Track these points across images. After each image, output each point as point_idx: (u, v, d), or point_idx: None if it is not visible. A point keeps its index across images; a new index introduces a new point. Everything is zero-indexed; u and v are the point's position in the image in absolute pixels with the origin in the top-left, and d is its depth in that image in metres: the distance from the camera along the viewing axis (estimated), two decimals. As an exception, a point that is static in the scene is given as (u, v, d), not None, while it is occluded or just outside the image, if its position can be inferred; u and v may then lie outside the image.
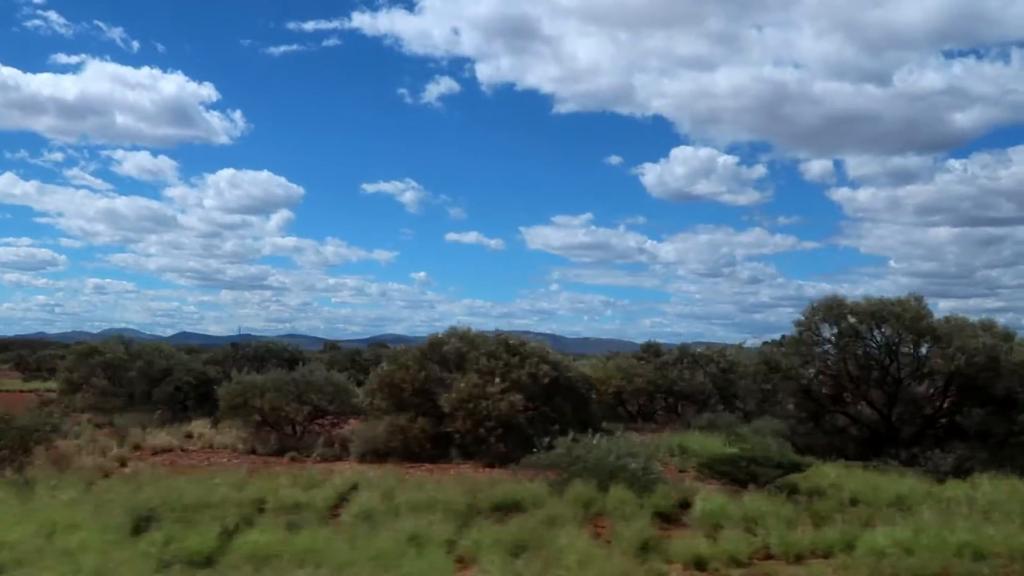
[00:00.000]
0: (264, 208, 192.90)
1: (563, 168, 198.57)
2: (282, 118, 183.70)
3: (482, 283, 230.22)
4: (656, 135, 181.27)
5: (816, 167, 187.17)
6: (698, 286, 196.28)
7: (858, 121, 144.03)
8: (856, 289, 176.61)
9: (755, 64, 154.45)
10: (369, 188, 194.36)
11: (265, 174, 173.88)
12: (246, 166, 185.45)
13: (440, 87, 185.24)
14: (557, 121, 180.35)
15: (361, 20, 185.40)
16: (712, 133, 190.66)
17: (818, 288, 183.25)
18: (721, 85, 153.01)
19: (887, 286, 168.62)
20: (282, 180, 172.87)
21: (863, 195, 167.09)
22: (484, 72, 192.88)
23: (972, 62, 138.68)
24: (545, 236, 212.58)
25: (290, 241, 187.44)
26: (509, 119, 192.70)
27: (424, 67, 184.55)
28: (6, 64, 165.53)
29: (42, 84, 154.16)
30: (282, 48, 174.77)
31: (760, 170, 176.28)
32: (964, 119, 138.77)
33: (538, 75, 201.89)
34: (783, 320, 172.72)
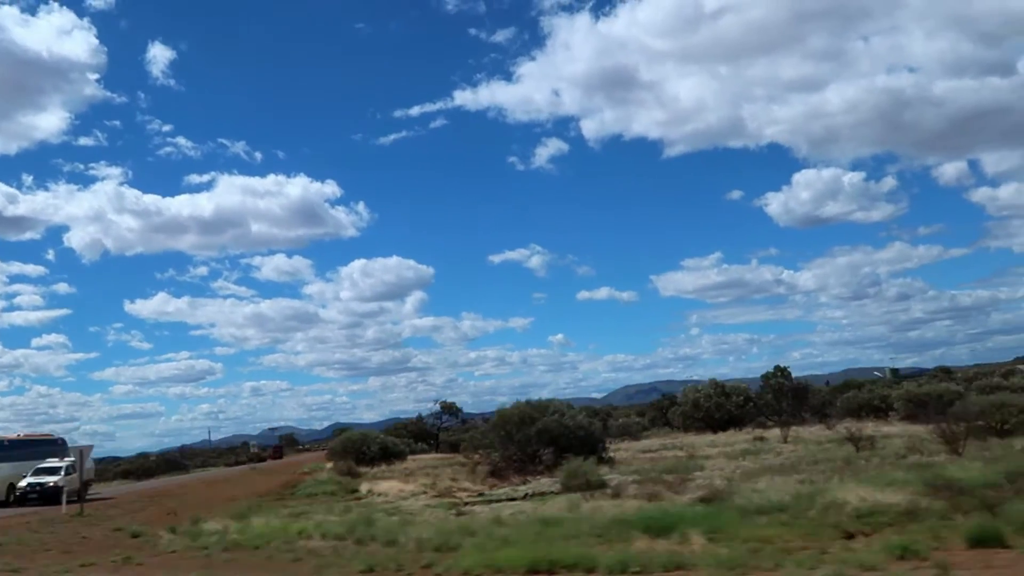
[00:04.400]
0: (398, 293, 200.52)
1: (684, 211, 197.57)
2: (402, 203, 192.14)
3: (620, 337, 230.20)
4: (774, 163, 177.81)
5: (950, 170, 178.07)
6: (844, 311, 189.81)
7: (988, 116, 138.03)
8: (1017, 292, 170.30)
9: (867, 75, 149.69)
10: (496, 259, 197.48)
11: (395, 260, 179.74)
12: (376, 254, 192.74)
13: (549, 149, 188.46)
14: (670, 164, 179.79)
15: (463, 97, 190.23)
16: (832, 152, 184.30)
17: (975, 296, 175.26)
18: (834, 102, 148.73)
19: None
20: (411, 263, 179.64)
21: (1006, 192, 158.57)
22: (589, 128, 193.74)
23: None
24: (677, 281, 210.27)
25: (427, 321, 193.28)
26: (621, 170, 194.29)
27: (530, 132, 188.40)
28: (147, 192, 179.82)
29: (181, 205, 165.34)
30: (391, 136, 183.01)
31: (890, 182, 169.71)
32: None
33: (643, 122, 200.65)
34: (941, 334, 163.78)
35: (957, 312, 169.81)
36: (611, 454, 32.78)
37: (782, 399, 54.86)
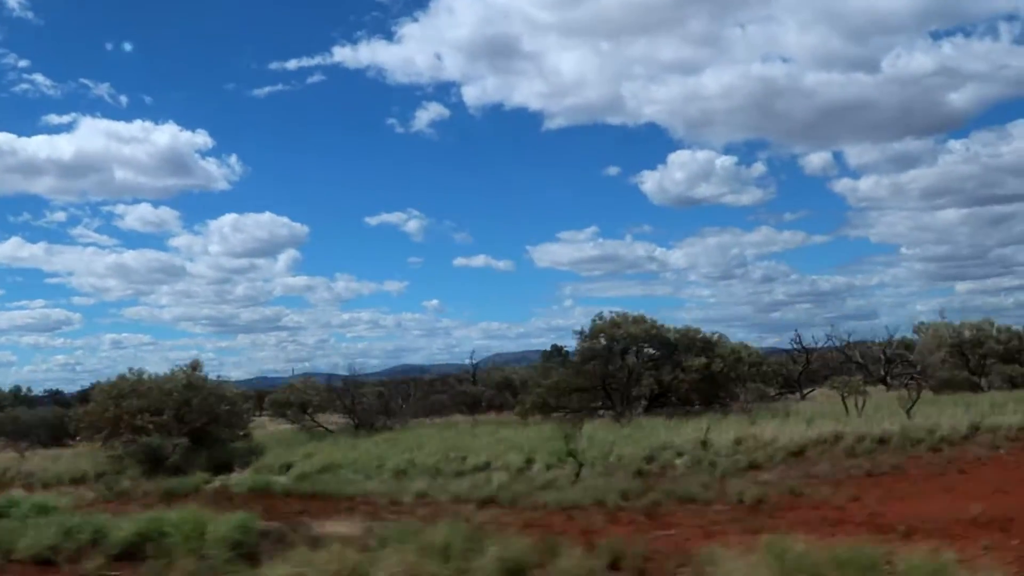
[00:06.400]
0: (270, 249, 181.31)
1: (562, 183, 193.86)
2: (277, 159, 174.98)
3: (495, 305, 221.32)
4: (651, 142, 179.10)
5: (816, 160, 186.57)
6: (712, 290, 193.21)
7: (852, 110, 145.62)
8: (871, 280, 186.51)
9: (742, 62, 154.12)
10: (372, 220, 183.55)
11: (267, 216, 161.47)
12: (247, 209, 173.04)
13: (429, 113, 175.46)
14: (550, 137, 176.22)
15: (342, 54, 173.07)
16: (707, 135, 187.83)
17: (832, 282, 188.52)
18: (710, 86, 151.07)
19: (901, 273, 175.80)
20: (285, 220, 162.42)
21: (865, 184, 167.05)
22: (471, 94, 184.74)
23: (961, 40, 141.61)
24: (553, 253, 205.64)
25: (300, 280, 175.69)
26: (502, 139, 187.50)
27: (411, 95, 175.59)
28: (0, 130, 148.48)
29: (38, 146, 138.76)
30: (266, 89, 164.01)
31: (760, 168, 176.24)
32: (959, 99, 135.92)
33: (524, 93, 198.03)
34: (801, 316, 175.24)
35: (816, 296, 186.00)
36: None
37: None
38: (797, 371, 39.03)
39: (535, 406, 28.92)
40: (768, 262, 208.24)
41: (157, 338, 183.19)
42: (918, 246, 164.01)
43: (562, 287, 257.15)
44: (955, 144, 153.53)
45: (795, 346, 39.74)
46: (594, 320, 29.91)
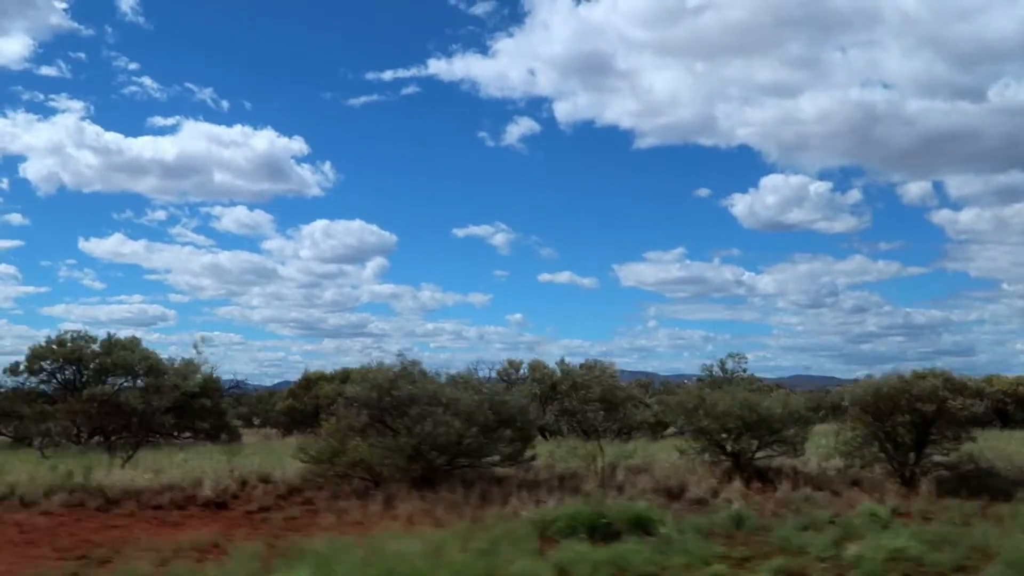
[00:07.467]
0: (359, 257, 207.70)
1: (651, 203, 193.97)
2: (369, 167, 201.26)
3: (578, 322, 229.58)
4: (743, 165, 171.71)
5: (914, 189, 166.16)
6: (800, 317, 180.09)
7: (955, 139, 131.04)
8: (969, 315, 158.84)
9: (841, 87, 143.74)
10: (460, 232, 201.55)
11: (358, 223, 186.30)
12: (339, 216, 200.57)
13: (520, 128, 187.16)
14: (640, 156, 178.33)
15: (437, 67, 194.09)
16: (801, 160, 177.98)
17: (928, 315, 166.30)
18: (807, 110, 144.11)
19: (1002, 310, 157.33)
20: (374, 228, 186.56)
21: (966, 216, 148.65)
22: (562, 111, 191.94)
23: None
24: (638, 273, 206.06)
25: (387, 288, 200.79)
26: (591, 156, 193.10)
27: (503, 109, 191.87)
28: (109, 129, 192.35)
29: (143, 147, 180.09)
30: (362, 99, 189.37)
31: (855, 195, 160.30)
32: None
33: (616, 111, 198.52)
34: (892, 349, 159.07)
35: (910, 329, 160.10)
36: None
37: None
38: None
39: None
40: (860, 292, 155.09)
41: (247, 338, 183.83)
42: (1020, 282, 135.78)
43: (647, 308, 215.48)
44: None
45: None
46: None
